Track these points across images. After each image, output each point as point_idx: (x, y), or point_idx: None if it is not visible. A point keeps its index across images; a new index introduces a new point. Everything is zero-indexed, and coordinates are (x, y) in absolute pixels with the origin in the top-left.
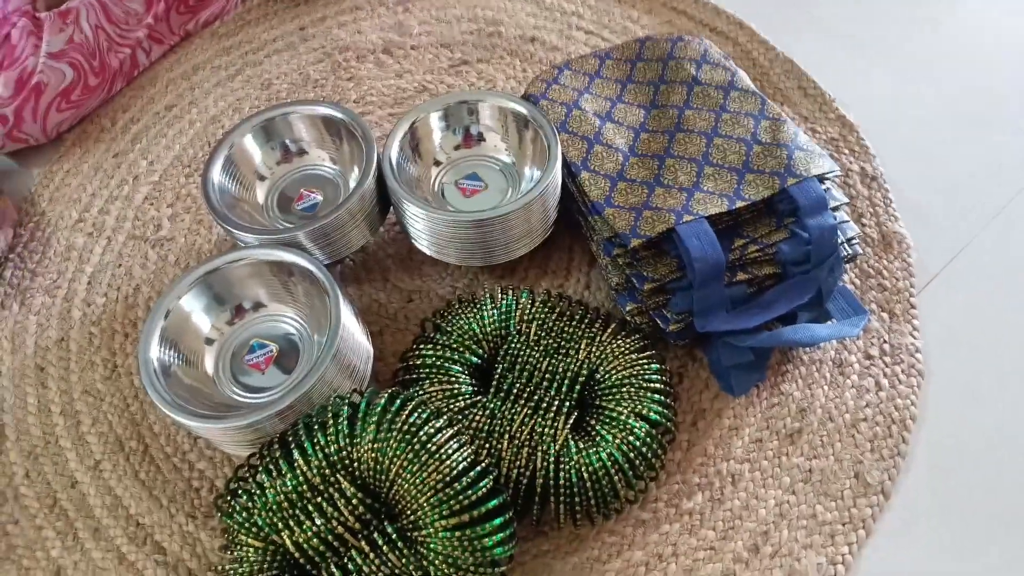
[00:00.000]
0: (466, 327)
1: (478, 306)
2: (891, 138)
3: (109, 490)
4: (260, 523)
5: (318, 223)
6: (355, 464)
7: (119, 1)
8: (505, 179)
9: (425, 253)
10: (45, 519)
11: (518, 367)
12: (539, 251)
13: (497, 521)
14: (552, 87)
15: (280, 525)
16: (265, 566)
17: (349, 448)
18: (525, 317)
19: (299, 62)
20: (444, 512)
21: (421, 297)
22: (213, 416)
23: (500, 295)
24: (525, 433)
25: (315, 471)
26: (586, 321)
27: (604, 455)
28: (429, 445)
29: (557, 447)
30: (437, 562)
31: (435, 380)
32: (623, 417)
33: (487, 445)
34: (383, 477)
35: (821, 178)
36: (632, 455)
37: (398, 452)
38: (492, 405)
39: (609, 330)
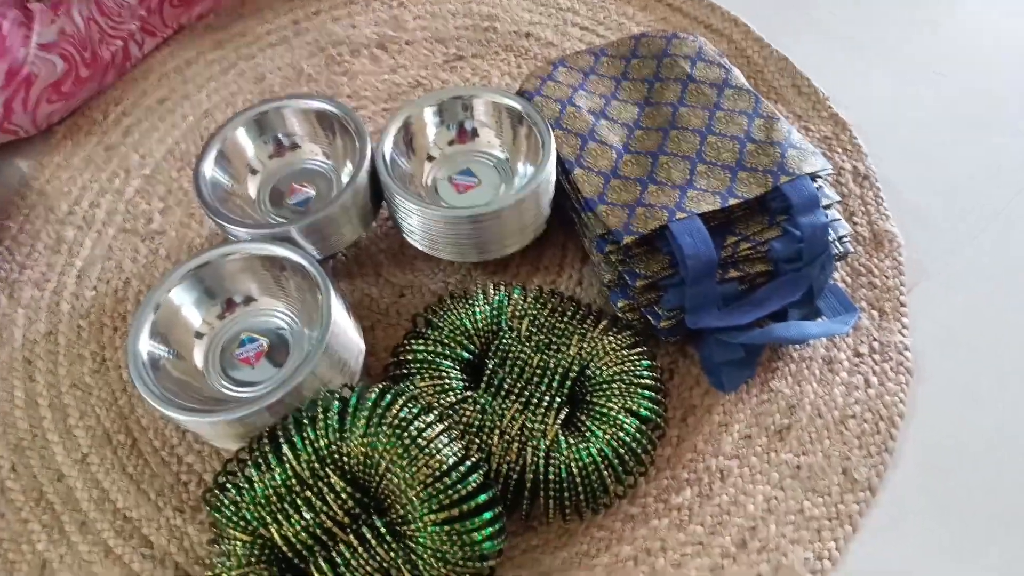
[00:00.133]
0: (458, 323)
1: (470, 302)
2: (889, 139)
3: (96, 483)
4: (248, 517)
5: (311, 218)
6: (345, 458)
7: None
8: (499, 175)
9: (417, 248)
10: (31, 512)
11: (509, 363)
12: (532, 247)
13: (486, 516)
14: (547, 83)
15: (269, 519)
16: (253, 560)
17: (339, 443)
18: (517, 313)
19: (293, 56)
20: (434, 506)
21: (413, 292)
22: (202, 410)
23: (492, 291)
24: (515, 428)
25: (304, 465)
26: (578, 317)
27: (594, 450)
28: (419, 440)
29: (547, 442)
30: (426, 556)
31: (426, 375)
32: (613, 413)
33: (477, 440)
34: (373, 471)
35: (814, 176)
36: (622, 451)
37: (388, 447)
38: (483, 400)
39: (601, 326)
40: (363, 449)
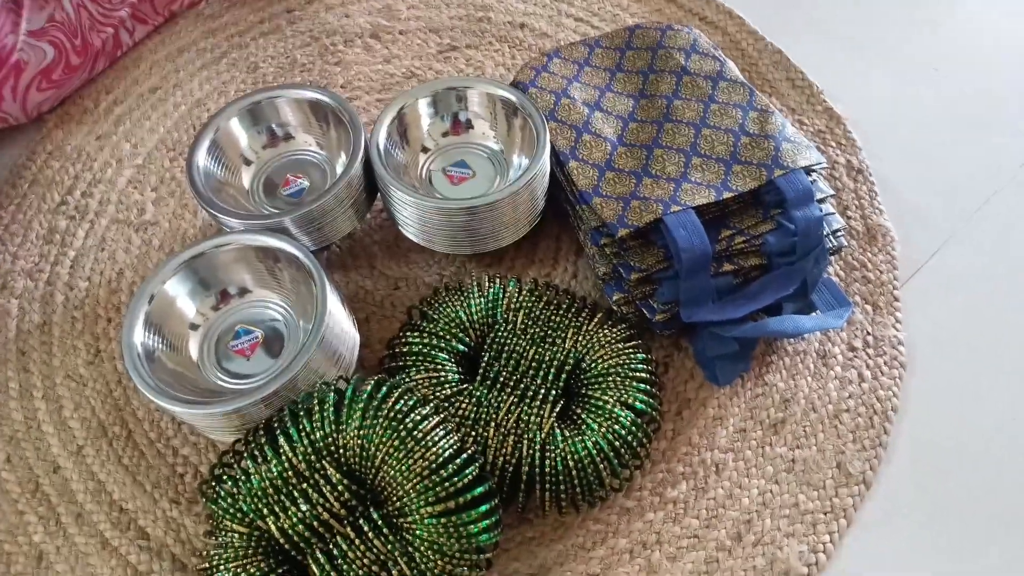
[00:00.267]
0: (453, 315)
1: (465, 294)
2: (888, 138)
3: (92, 475)
4: (245, 509)
5: (305, 209)
6: (341, 451)
7: None
8: (493, 167)
9: (412, 240)
10: (27, 504)
11: (504, 355)
12: (526, 240)
13: (483, 508)
14: (541, 75)
15: (265, 511)
16: (250, 552)
17: (335, 435)
18: (512, 306)
19: (286, 45)
20: (430, 499)
21: (408, 285)
22: (197, 402)
23: (487, 283)
24: (511, 421)
25: (300, 457)
26: (573, 310)
27: (589, 443)
28: (415, 432)
29: (543, 435)
30: (422, 548)
31: (421, 368)
32: (609, 406)
33: (473, 433)
34: (369, 464)
35: (808, 170)
36: (617, 444)
37: (384, 439)
38: (478, 393)
39: (595, 319)
40: (359, 441)
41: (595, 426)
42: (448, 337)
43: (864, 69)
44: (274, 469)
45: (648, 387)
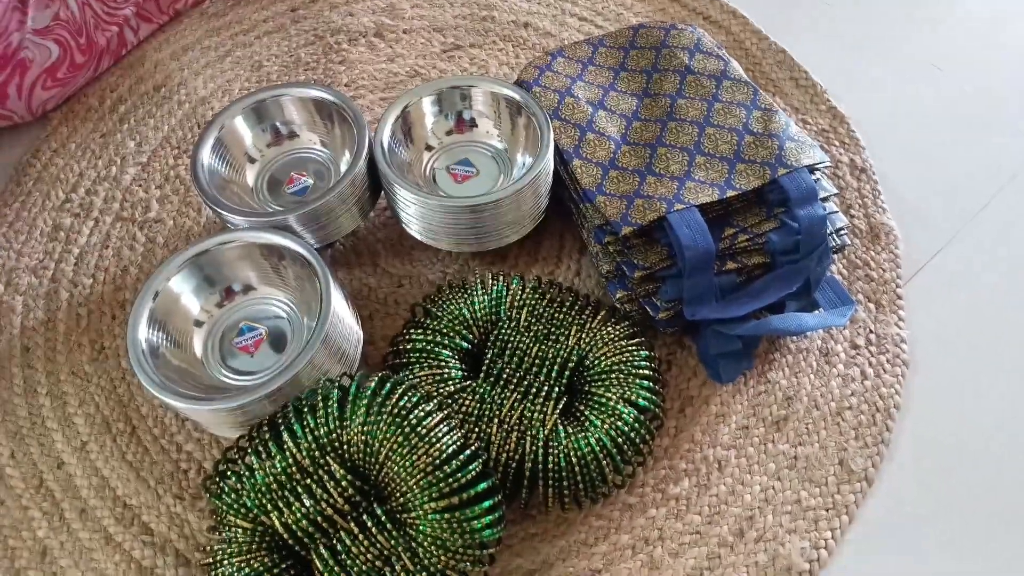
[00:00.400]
0: (456, 312)
1: (469, 292)
2: (889, 138)
3: (96, 471)
4: (249, 504)
5: (309, 206)
6: (345, 447)
7: None
8: (497, 165)
9: (416, 238)
10: (31, 499)
11: (508, 352)
12: (530, 238)
13: (486, 504)
14: (545, 74)
15: (269, 506)
16: (254, 547)
17: (339, 431)
18: (516, 303)
19: (290, 44)
20: (433, 495)
21: (411, 282)
22: (201, 398)
23: (491, 281)
24: (514, 418)
25: (305, 453)
26: (576, 308)
27: (592, 440)
28: (419, 428)
29: (546, 432)
30: (426, 544)
31: (425, 364)
32: (612, 403)
33: (476, 429)
34: (373, 460)
35: (811, 169)
36: (620, 440)
37: (388, 435)
38: (482, 390)
39: (599, 317)
40: (363, 437)
41: (598, 423)
42: (452, 334)
43: (865, 69)
44: (278, 465)
45: (651, 384)
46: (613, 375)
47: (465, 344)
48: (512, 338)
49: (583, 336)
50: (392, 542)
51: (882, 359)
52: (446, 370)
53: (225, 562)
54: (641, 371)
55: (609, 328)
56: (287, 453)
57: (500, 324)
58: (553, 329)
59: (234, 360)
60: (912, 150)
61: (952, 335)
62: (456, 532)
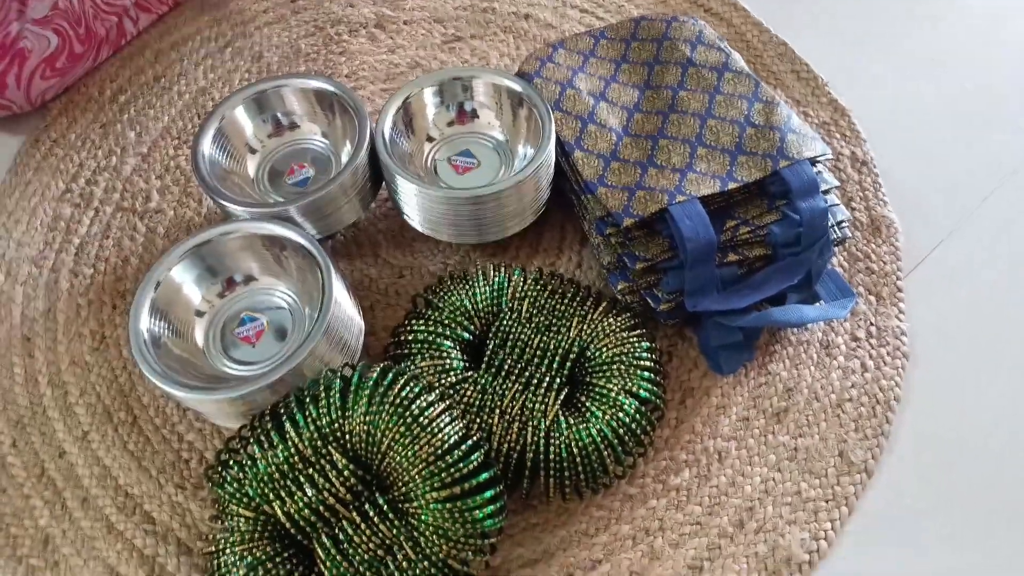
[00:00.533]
0: (458, 303)
1: (470, 283)
2: (890, 134)
3: (98, 460)
4: (251, 493)
5: (310, 197)
6: (347, 437)
7: None
8: (498, 157)
9: (417, 230)
10: (33, 488)
11: (509, 343)
12: (531, 229)
13: (488, 494)
14: (546, 65)
15: (271, 496)
16: (256, 536)
17: (341, 421)
18: (517, 294)
19: (290, 35)
20: (435, 484)
21: (412, 273)
22: (203, 388)
23: (492, 272)
24: (516, 408)
25: (307, 443)
26: (577, 299)
27: (594, 431)
28: (421, 419)
29: (547, 422)
30: (427, 533)
31: (426, 355)
32: (613, 394)
33: (478, 420)
34: (375, 450)
35: (813, 161)
36: (621, 431)
37: (390, 425)
38: (483, 381)
39: (600, 308)
40: (365, 427)
41: (599, 414)
42: (453, 325)
43: (866, 65)
44: (280, 455)
45: (652, 375)
46: (614, 366)
47: (466, 335)
48: (513, 329)
49: (584, 327)
50: (394, 531)
51: (882, 351)
52: (447, 361)
53: (227, 551)
54: (642, 362)
55: (610, 319)
56: (289, 443)
57: (501, 315)
58: (554, 320)
59: (236, 350)
60: (913, 146)
61: (952, 328)
62: (458, 522)
